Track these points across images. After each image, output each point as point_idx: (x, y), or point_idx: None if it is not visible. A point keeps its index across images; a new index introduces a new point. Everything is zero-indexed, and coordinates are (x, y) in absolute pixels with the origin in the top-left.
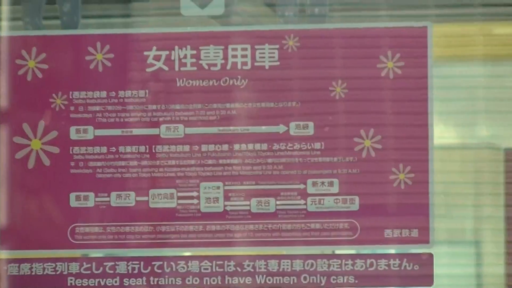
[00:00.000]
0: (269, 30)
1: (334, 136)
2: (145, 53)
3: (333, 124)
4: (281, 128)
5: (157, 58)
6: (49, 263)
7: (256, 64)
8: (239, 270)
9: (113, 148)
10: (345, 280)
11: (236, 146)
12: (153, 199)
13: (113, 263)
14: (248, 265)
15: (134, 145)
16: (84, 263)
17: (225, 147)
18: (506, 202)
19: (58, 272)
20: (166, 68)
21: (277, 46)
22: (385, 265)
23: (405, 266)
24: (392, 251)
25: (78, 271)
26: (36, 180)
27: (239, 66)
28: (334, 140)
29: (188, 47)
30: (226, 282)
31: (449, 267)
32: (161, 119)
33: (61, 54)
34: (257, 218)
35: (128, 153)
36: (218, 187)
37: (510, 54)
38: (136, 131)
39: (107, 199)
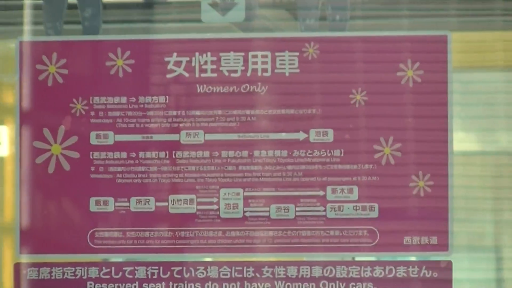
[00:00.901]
0: (289, 37)
1: (353, 144)
2: (166, 59)
3: (353, 131)
4: (301, 135)
5: (177, 64)
6: (69, 268)
7: (276, 71)
8: (258, 276)
9: (133, 153)
10: (364, 287)
11: (256, 153)
12: (172, 204)
13: (132, 268)
14: (267, 271)
15: (154, 150)
16: (104, 268)
17: (245, 153)
18: None
19: (77, 277)
20: (186, 74)
21: (297, 54)
22: (404, 272)
23: (424, 273)
24: (411, 258)
25: (97, 276)
26: (56, 185)
27: (259, 73)
28: (354, 148)
29: (209, 53)
30: (245, 287)
31: (469, 272)
32: (181, 125)
33: (82, 59)
34: (277, 224)
35: (148, 159)
36: (238, 193)
37: None
38: (156, 137)
39: (127, 204)
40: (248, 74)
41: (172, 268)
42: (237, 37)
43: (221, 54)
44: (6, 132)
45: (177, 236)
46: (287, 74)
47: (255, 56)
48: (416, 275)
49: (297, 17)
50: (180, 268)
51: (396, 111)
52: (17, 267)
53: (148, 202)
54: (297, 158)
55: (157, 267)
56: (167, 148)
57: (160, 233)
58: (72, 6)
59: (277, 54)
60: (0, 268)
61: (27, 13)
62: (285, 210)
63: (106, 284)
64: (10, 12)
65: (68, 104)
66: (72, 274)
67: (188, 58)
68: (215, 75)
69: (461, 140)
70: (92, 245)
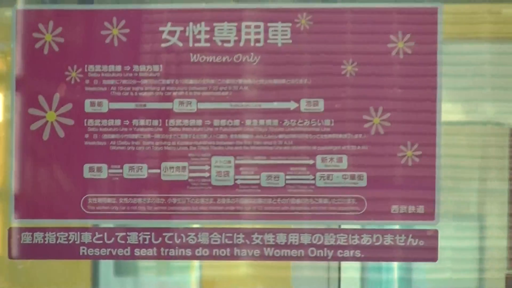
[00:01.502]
0: (282, 8)
1: (343, 113)
2: (160, 28)
3: (343, 101)
4: (292, 105)
5: (171, 34)
6: (62, 233)
7: (268, 41)
8: (248, 242)
9: (127, 121)
10: (351, 254)
11: (248, 122)
12: (165, 171)
13: (124, 234)
14: (257, 238)
15: (147, 118)
16: (96, 233)
17: (237, 122)
18: (511, 176)
19: (70, 242)
20: (180, 43)
21: (290, 24)
22: (391, 240)
23: (411, 241)
24: (398, 226)
25: (90, 241)
26: (51, 152)
27: (252, 43)
28: (344, 117)
29: (203, 23)
30: (235, 254)
31: (454, 240)
32: (174, 93)
33: (77, 28)
34: (267, 192)
35: (142, 127)
36: (229, 161)
37: None
38: (150, 105)
39: (120, 171)
40: (241, 44)
41: (164, 234)
42: (230, 7)
43: (214, 24)
44: (0, 99)
45: (169, 202)
46: (279, 45)
47: (248, 27)
48: (403, 243)
49: None
50: (172, 234)
51: (386, 82)
52: (11, 232)
53: (140, 169)
54: (287, 127)
55: (148, 233)
56: (160, 116)
57: (152, 199)
58: None
59: (269, 24)
60: None
61: None
62: (275, 178)
63: (98, 249)
64: None
65: (63, 72)
66: (65, 239)
67: (182, 28)
68: (208, 44)
69: (449, 111)
70: (85, 211)
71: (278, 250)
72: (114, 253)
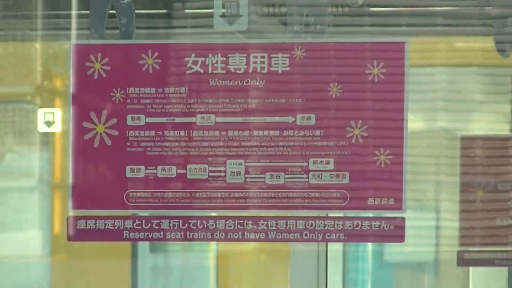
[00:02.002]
0: (281, 42)
1: (330, 126)
2: (186, 59)
3: (330, 116)
4: (290, 119)
5: (195, 63)
6: (109, 220)
7: (271, 69)
8: (255, 227)
9: (160, 132)
10: (336, 237)
11: (255, 132)
12: (189, 171)
13: (158, 221)
14: (263, 224)
15: (175, 130)
16: (136, 220)
17: (246, 132)
18: (461, 171)
19: (116, 227)
20: (201, 70)
21: (288, 55)
22: (368, 226)
23: (383, 227)
24: (373, 214)
25: (131, 226)
26: (100, 156)
27: (258, 70)
28: (331, 129)
29: (219, 54)
30: (245, 236)
31: (418, 222)
32: (197, 110)
33: (120, 58)
34: (270, 188)
35: (171, 136)
36: (240, 163)
37: (466, 63)
38: (178, 119)
39: (154, 171)
40: (250, 71)
41: (189, 221)
42: (241, 42)
43: (228, 55)
44: (59, 114)
45: (193, 196)
46: (280, 71)
47: (255, 57)
48: (377, 228)
49: (287, 27)
50: (195, 221)
51: (364, 100)
52: (68, 220)
53: (170, 170)
54: (286, 136)
55: (177, 220)
56: (186, 128)
57: (179, 193)
58: (111, 15)
59: (272, 55)
60: (53, 219)
61: (77, 21)
62: (277, 177)
63: (138, 233)
64: (63, 20)
65: (109, 93)
66: (112, 225)
67: (203, 58)
68: (224, 71)
69: (413, 122)
70: (127, 203)
71: (279, 233)
72: (150, 236)
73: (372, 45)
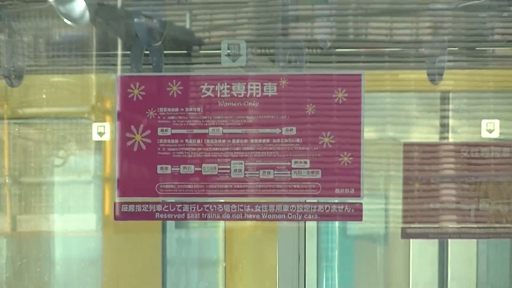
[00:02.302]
0: (271, 74)
1: (307, 135)
2: (200, 86)
3: (307, 128)
4: (277, 130)
5: (207, 89)
6: (145, 205)
7: (263, 94)
8: (253, 210)
9: (182, 140)
10: (312, 217)
11: (252, 140)
12: (203, 169)
13: (181, 205)
14: (257, 207)
15: (193, 139)
16: (164, 205)
17: (245, 141)
18: (403, 168)
19: (150, 210)
20: (212, 95)
21: (276, 84)
22: (335, 209)
23: (346, 210)
24: (339, 200)
25: (161, 209)
26: (138, 158)
27: (254, 95)
28: (307, 138)
29: (225, 83)
30: (245, 217)
31: (372, 206)
32: (209, 124)
33: (153, 86)
34: (263, 181)
35: (190, 143)
36: (241, 163)
37: (407, 89)
38: (195, 131)
39: (178, 169)
40: (248, 95)
41: (204, 205)
42: (241, 74)
43: (232, 83)
44: (108, 126)
45: (206, 187)
46: (270, 95)
47: (251, 85)
48: (342, 211)
49: (275, 63)
50: (208, 205)
51: (332, 117)
52: (115, 205)
53: (190, 168)
54: (274, 143)
55: (194, 205)
56: (201, 137)
57: (196, 185)
58: (146, 55)
59: (264, 84)
60: (104, 204)
61: (121, 59)
62: (268, 173)
63: (165, 214)
64: (111, 58)
65: (145, 111)
66: (147, 208)
67: (213, 86)
68: (228, 95)
69: (367, 132)
70: (158, 192)
71: (270, 215)
72: (174, 217)
73: (338, 77)
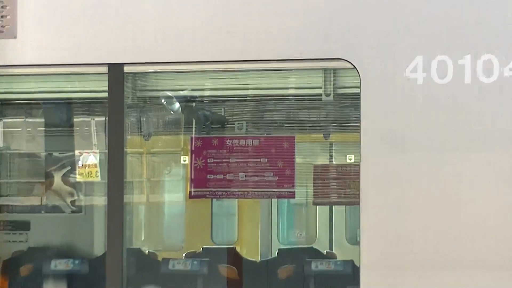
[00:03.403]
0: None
1: (271, 163)
2: None
3: (267, 161)
4: (263, 160)
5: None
6: (200, 191)
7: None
8: (246, 194)
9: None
10: (273, 196)
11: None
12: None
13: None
14: (249, 194)
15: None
16: (209, 192)
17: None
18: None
19: (203, 194)
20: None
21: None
22: (284, 193)
23: (289, 193)
24: (286, 192)
25: (208, 193)
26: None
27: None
28: (271, 164)
29: None
30: (244, 196)
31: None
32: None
33: None
34: (248, 185)
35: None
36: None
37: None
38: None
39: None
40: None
41: (218, 195)
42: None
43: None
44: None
45: (227, 188)
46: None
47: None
48: (287, 194)
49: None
50: (219, 196)
51: (278, 157)
52: (190, 192)
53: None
54: (252, 162)
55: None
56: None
57: (222, 187)
58: None
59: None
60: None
61: None
62: (250, 179)
63: (210, 195)
64: None
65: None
66: (202, 193)
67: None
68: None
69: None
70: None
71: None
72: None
73: (278, 138)
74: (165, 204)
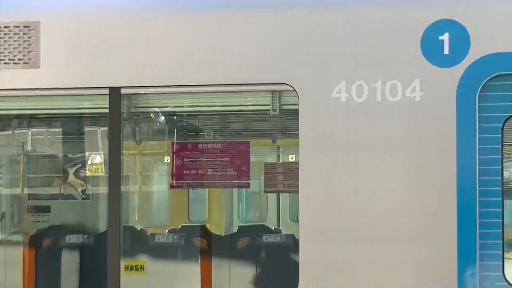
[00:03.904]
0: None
1: (232, 161)
2: None
3: (230, 161)
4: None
5: None
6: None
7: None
8: (215, 184)
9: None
10: (241, 186)
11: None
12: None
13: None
14: (217, 184)
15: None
16: (186, 184)
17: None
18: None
19: (182, 185)
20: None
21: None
22: (243, 184)
23: (246, 184)
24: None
25: (185, 184)
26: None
27: None
28: (232, 161)
29: None
30: (214, 187)
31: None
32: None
33: None
34: (217, 179)
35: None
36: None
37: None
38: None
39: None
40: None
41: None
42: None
43: None
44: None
45: (200, 179)
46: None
47: None
48: (245, 184)
49: None
50: (199, 184)
51: (236, 158)
52: (172, 183)
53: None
54: (220, 161)
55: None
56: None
57: (197, 179)
58: None
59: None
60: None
61: None
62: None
63: (186, 186)
64: None
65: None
66: (180, 184)
67: None
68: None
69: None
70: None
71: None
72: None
73: (237, 143)
74: (153, 192)
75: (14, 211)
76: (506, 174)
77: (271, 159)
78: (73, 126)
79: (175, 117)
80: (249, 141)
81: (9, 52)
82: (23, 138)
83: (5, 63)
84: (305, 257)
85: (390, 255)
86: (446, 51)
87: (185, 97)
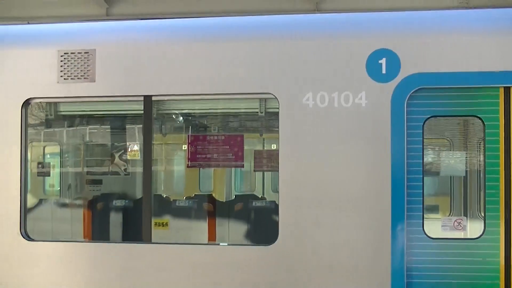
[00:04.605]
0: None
1: (227, 154)
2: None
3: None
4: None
5: None
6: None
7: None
8: (218, 162)
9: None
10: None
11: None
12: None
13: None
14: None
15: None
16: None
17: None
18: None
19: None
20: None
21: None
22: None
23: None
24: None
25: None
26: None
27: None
28: (225, 151)
29: None
30: (217, 165)
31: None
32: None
33: None
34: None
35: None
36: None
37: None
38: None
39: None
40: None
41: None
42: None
43: None
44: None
45: (203, 160)
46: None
47: None
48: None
49: None
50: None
51: (225, 154)
52: (188, 164)
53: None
54: (223, 151)
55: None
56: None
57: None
58: None
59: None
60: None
61: None
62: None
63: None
64: None
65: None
66: (193, 165)
67: None
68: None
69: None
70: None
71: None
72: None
73: (235, 136)
74: (174, 171)
75: (78, 183)
76: (425, 159)
77: (259, 147)
78: (118, 123)
79: (190, 117)
80: (243, 135)
81: (75, 71)
82: (83, 132)
83: (71, 78)
84: (283, 217)
85: (345, 216)
86: (384, 71)
87: (197, 103)
